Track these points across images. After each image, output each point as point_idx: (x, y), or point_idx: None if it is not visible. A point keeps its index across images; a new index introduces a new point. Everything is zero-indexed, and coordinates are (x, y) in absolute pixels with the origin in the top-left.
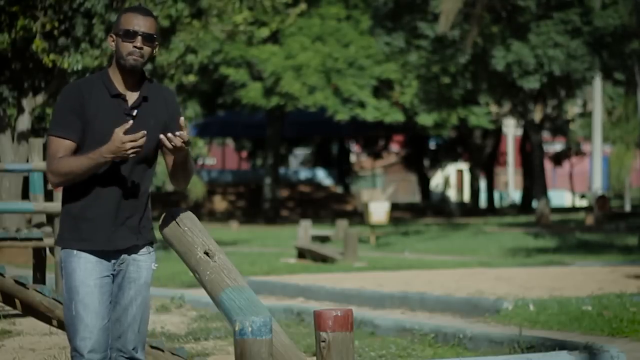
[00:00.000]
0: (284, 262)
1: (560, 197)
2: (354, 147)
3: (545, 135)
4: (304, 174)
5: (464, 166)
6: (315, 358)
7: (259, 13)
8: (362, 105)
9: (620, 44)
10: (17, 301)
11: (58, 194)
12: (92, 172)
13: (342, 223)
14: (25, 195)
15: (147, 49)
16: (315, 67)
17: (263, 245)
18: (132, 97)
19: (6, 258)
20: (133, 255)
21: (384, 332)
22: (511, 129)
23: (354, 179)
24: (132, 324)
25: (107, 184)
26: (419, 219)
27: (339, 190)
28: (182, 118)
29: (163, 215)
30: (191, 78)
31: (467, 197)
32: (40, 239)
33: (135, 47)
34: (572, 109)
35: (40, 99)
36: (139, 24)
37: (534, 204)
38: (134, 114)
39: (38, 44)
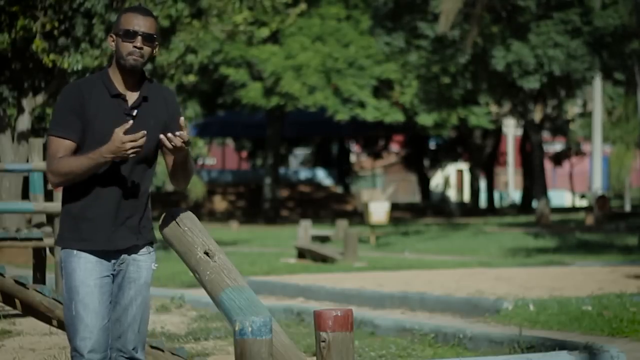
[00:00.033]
0: (284, 262)
1: (560, 197)
2: (354, 147)
3: (545, 135)
4: (304, 174)
5: (464, 166)
6: (315, 358)
7: (259, 13)
8: (362, 105)
9: (620, 44)
10: (17, 301)
11: (58, 194)
12: (92, 172)
13: (342, 223)
14: (25, 195)
15: (147, 49)
16: (315, 67)
17: (263, 245)
18: (132, 97)
19: (6, 258)
20: (133, 255)
21: (384, 332)
22: (511, 129)
23: (354, 179)
24: (132, 324)
25: (107, 184)
26: (419, 219)
27: (339, 190)
28: (182, 118)
29: (163, 215)
30: (191, 78)
31: (467, 197)
32: (40, 239)
33: (135, 47)
34: (572, 109)
35: (40, 99)
36: (139, 24)
37: (534, 204)
38: (134, 114)
39: (38, 44)
